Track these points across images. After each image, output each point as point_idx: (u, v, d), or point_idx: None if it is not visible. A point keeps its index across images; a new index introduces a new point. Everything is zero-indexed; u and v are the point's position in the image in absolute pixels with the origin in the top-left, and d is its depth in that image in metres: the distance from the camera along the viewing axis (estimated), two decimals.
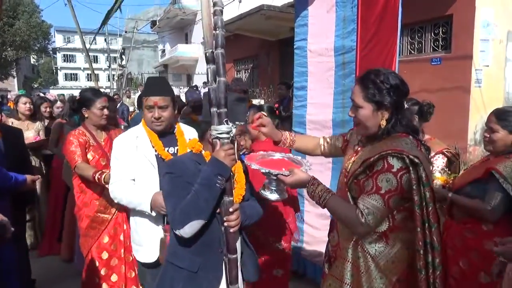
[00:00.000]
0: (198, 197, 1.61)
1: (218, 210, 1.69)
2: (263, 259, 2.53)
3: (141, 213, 2.19)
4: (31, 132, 4.42)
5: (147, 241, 2.24)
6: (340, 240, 1.76)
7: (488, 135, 2.24)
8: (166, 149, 2.24)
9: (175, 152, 2.26)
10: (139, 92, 16.46)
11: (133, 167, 2.20)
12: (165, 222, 2.10)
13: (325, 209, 1.67)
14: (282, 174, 1.68)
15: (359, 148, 1.76)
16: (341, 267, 1.70)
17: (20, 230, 2.93)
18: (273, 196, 1.77)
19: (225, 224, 1.66)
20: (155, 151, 2.21)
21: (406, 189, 1.53)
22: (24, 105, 4.39)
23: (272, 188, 1.76)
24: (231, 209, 1.66)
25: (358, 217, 1.53)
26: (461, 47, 7.14)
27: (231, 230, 1.66)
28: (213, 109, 1.64)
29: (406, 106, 1.65)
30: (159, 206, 2.04)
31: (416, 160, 1.49)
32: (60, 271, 3.81)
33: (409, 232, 1.60)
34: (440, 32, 7.65)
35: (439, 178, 2.58)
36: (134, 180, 2.22)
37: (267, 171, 1.70)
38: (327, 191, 1.65)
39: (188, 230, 1.62)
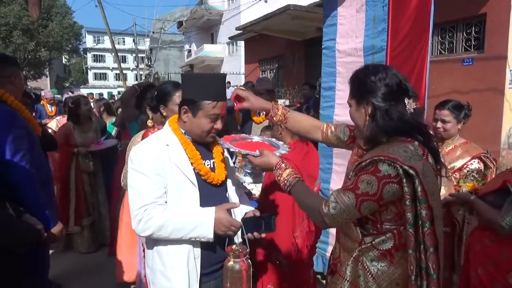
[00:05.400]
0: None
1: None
2: (260, 272, 2.35)
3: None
4: (91, 134, 4.24)
5: (179, 274, 1.65)
6: (341, 253, 1.60)
7: None
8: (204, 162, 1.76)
9: (212, 166, 1.77)
10: None
11: (168, 185, 1.66)
12: (227, 244, 1.64)
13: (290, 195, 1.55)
14: (251, 155, 1.57)
15: (364, 153, 1.63)
16: (338, 284, 1.54)
17: None
18: (247, 178, 1.66)
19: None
20: (191, 164, 1.69)
21: (386, 199, 1.36)
22: (86, 106, 4.13)
23: (247, 170, 1.66)
24: None
25: (321, 206, 1.40)
26: (495, 47, 6.90)
27: None
28: None
29: (409, 103, 1.43)
30: (226, 225, 1.60)
31: (411, 171, 1.29)
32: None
33: None
34: (473, 31, 7.42)
35: (467, 184, 2.44)
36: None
37: (236, 150, 1.60)
38: (294, 176, 1.52)
39: None
